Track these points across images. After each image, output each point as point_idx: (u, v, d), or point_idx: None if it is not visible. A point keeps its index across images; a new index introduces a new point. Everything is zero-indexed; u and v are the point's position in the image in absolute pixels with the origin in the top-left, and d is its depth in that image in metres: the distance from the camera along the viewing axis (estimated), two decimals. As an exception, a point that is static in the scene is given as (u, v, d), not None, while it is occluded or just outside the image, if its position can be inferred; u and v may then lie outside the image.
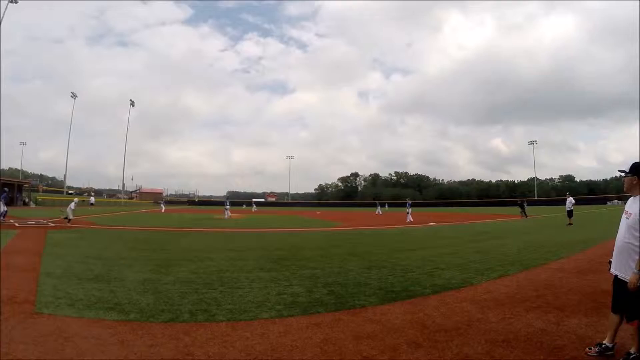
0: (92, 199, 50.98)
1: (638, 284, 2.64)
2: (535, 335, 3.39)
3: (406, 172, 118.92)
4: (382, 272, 6.31)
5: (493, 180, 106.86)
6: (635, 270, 2.67)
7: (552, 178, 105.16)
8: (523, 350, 3.06)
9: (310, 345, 3.20)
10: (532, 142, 72.54)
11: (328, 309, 4.26)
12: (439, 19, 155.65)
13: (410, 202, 24.89)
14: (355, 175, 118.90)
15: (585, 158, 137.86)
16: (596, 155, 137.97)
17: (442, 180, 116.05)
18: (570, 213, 17.64)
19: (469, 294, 4.89)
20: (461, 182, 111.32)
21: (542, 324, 3.66)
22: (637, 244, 2.69)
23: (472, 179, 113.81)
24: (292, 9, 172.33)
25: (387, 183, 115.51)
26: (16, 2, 36.69)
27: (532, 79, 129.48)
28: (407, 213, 22.63)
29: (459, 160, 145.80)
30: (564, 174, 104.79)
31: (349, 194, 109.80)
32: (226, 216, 25.87)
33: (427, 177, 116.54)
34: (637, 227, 2.70)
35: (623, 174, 2.87)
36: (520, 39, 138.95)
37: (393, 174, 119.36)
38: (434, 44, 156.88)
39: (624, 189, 2.89)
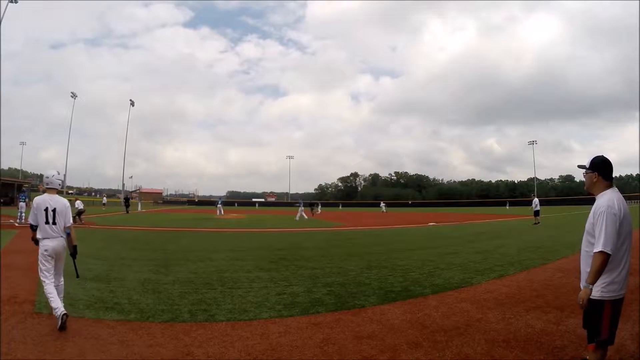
0: (105, 199, 54.22)
1: (585, 301, 2.24)
2: (535, 335, 3.38)
3: (406, 172, 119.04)
4: (382, 272, 6.31)
5: (493, 181, 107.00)
6: (585, 284, 2.25)
7: (552, 178, 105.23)
8: (523, 350, 3.06)
9: (310, 345, 3.20)
10: (532, 142, 72.41)
11: (328, 309, 4.26)
12: (422, 22, 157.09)
13: (302, 202, 27.81)
14: (355, 175, 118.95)
15: (581, 158, 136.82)
16: (593, 155, 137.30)
17: (442, 180, 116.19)
18: (536, 213, 18.73)
19: (469, 294, 4.89)
20: (461, 182, 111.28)
21: (542, 324, 3.66)
22: (593, 250, 2.24)
23: (472, 179, 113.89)
24: (282, 12, 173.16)
25: (387, 183, 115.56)
26: (16, 2, 36.66)
27: (521, 80, 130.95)
28: (299, 211, 24.65)
29: (453, 160, 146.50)
30: (563, 174, 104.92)
31: (349, 194, 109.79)
32: (218, 214, 28.19)
33: (427, 177, 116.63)
34: (592, 233, 2.28)
35: (583, 171, 2.45)
36: (506, 41, 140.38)
37: (393, 174, 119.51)
38: (420, 47, 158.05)
39: (585, 187, 2.50)
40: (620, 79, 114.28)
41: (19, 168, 78.47)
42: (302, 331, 3.55)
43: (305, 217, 24.41)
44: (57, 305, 3.55)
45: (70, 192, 67.37)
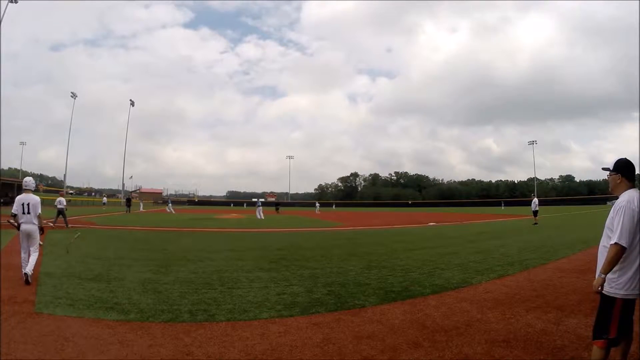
0: (105, 199, 54.53)
1: (598, 288, 2.38)
2: (535, 335, 3.39)
3: (406, 172, 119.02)
4: (382, 272, 6.31)
5: (493, 181, 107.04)
6: (599, 273, 2.39)
7: (552, 178, 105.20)
8: (523, 350, 3.06)
9: (310, 345, 3.20)
10: (532, 142, 72.45)
11: (328, 309, 4.26)
12: (417, 24, 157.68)
13: (260, 201, 29.82)
14: (355, 175, 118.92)
15: (580, 158, 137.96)
16: (591, 155, 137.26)
17: (442, 180, 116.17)
18: (535, 213, 18.94)
19: (469, 294, 4.89)
20: (461, 182, 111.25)
21: (542, 324, 3.67)
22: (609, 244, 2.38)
23: (472, 179, 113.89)
24: (278, 15, 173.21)
25: (387, 183, 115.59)
26: (16, 2, 36.65)
27: (517, 81, 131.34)
28: (257, 211, 26.19)
29: (452, 160, 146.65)
30: (563, 174, 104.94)
31: (349, 194, 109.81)
32: (168, 210, 34.08)
33: (427, 177, 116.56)
34: (612, 228, 2.39)
35: (607, 172, 2.59)
36: (502, 42, 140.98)
37: (393, 174, 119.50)
38: (416, 48, 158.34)
39: (609, 188, 2.63)
40: (618, 78, 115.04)
41: (19, 168, 78.42)
42: (302, 331, 3.55)
43: (262, 216, 26.18)
44: (25, 268, 5.34)
45: (70, 192, 67.41)
